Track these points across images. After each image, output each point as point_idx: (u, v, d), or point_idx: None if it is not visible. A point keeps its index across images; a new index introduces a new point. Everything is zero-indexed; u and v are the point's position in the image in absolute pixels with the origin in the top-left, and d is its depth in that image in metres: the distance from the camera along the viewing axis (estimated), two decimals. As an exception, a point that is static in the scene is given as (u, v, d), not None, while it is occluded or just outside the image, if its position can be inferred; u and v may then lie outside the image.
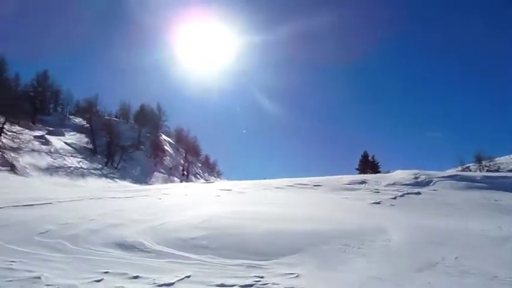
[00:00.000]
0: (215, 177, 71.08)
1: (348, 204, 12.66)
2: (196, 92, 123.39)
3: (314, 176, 18.57)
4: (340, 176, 18.17)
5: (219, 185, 20.29)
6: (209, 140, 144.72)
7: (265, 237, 7.22)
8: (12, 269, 5.63)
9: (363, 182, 16.26)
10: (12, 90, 45.36)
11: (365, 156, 47.28)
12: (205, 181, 60.76)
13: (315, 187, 16.05)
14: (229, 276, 5.41)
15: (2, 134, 25.20)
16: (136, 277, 5.33)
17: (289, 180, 17.90)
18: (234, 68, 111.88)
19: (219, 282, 5.14)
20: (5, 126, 25.57)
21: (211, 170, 78.99)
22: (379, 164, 46.10)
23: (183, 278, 5.25)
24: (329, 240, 7.19)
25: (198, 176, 65.88)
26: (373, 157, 47.37)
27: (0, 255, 6.35)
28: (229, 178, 57.60)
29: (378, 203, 12.70)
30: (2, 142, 25.08)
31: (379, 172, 36.55)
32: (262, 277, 5.40)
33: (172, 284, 5.06)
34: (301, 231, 7.75)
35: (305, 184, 16.61)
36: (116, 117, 67.45)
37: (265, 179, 21.23)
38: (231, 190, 15.49)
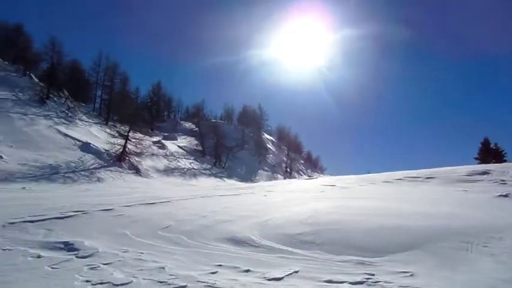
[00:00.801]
0: (318, 173, 70.62)
1: (468, 197, 11.46)
2: (295, 89, 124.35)
3: (423, 169, 17.23)
4: (454, 167, 16.54)
5: (322, 180, 20.10)
6: (311, 137, 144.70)
7: (374, 232, 6.92)
8: (141, 259, 6.35)
9: (484, 173, 14.55)
10: (133, 101, 51.45)
11: (486, 144, 42.07)
12: (308, 177, 60.69)
13: (427, 180, 14.87)
14: (337, 273, 5.32)
15: (128, 141, 28.66)
16: (247, 271, 5.56)
17: (397, 173, 16.90)
18: (334, 63, 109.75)
19: (327, 278, 5.08)
20: (129, 134, 29.01)
21: (314, 166, 78.73)
22: (504, 152, 40.64)
23: (291, 273, 5.32)
24: (448, 237, 6.58)
25: (300, 172, 66.24)
26: (495, 145, 41.95)
27: (131, 247, 7.22)
28: (332, 174, 56.70)
29: (506, 195, 11.23)
30: (128, 148, 28.55)
31: (504, 161, 32.27)
32: (372, 274, 5.19)
33: (281, 278, 5.17)
34: (414, 226, 7.24)
35: (415, 177, 15.51)
36: (221, 119, 71.52)
37: (369, 173, 20.40)
38: (335, 185, 15.23)
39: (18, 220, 9.20)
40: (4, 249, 6.97)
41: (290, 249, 6.46)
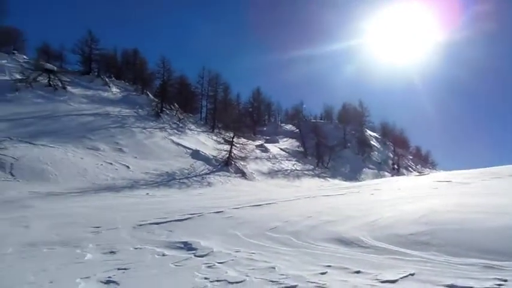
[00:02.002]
0: (429, 168, 65.30)
1: None
2: (396, 83, 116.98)
3: None
4: None
5: (435, 176, 18.56)
6: (418, 131, 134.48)
7: (503, 233, 6.16)
8: (253, 259, 6.65)
9: None
10: (236, 108, 54.17)
11: None
12: (418, 173, 56.48)
13: None
14: (460, 277, 4.86)
15: (233, 147, 30.26)
16: (357, 272, 5.43)
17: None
18: (438, 54, 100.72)
19: (449, 283, 4.66)
20: (234, 139, 30.60)
21: (423, 161, 73.11)
22: None
23: (406, 276, 5.04)
24: None
25: (409, 168, 62.06)
26: None
27: (242, 247, 7.60)
28: (446, 169, 51.89)
29: None
30: (234, 153, 30.13)
31: None
32: (505, 280, 4.62)
33: (395, 281, 4.93)
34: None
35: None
36: (321, 119, 70.90)
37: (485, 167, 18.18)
38: (450, 181, 13.94)
39: (145, 222, 10.36)
40: (136, 248, 7.90)
41: (403, 250, 6.12)
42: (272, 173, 34.13)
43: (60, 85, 34.95)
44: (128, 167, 23.13)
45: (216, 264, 6.37)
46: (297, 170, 39.29)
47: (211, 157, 29.91)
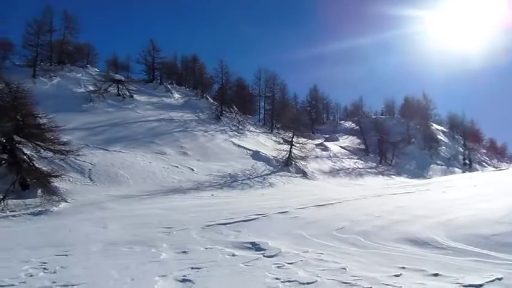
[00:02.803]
0: (507, 163, 60.18)
1: None
2: (462, 73, 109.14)
3: None
4: None
5: (515, 172, 17.10)
6: (493, 123, 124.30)
7: None
8: (322, 259, 6.61)
9: None
10: (293, 108, 54.04)
11: None
12: (494, 169, 52.31)
13: None
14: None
15: (292, 147, 30.20)
16: (436, 275, 5.18)
17: None
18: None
19: (541, 289, 4.30)
20: (293, 139, 30.53)
21: (500, 155, 67.40)
22: None
23: (493, 280, 4.70)
24: None
25: (483, 163, 57.61)
26: None
27: (310, 247, 7.58)
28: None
29: None
30: (294, 153, 30.05)
31: None
32: None
33: (481, 285, 4.61)
34: None
35: None
36: (382, 114, 68.25)
37: None
38: (534, 177, 12.78)
39: (213, 223, 10.70)
40: (206, 248, 8.20)
41: (485, 252, 5.73)
42: (333, 172, 33.52)
43: (128, 94, 37.23)
44: (192, 169, 24.02)
45: (286, 264, 6.43)
46: (359, 168, 38.18)
47: (272, 157, 30.07)
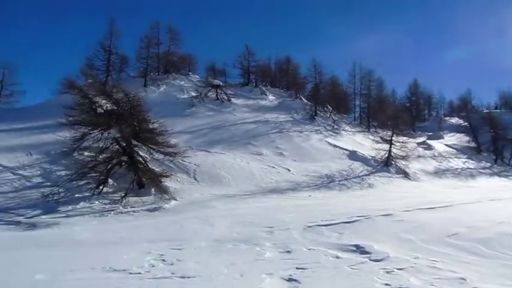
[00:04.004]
0: None
1: None
2: None
3: None
4: None
5: None
6: None
7: None
8: (436, 267, 6.16)
9: None
10: (391, 105, 51.25)
11: None
12: None
13: None
14: None
15: (392, 146, 28.64)
16: None
17: None
18: None
19: None
20: (392, 138, 28.94)
21: None
22: None
23: None
24: None
25: None
26: None
27: (421, 253, 7.13)
28: None
29: None
30: (393, 152, 28.48)
31: None
32: None
33: None
34: None
35: None
36: (496, 108, 61.07)
37: None
38: None
39: (313, 224, 10.69)
40: (309, 249, 8.22)
41: None
42: (439, 173, 30.89)
43: (226, 98, 39.10)
44: (289, 170, 24.26)
45: (395, 270, 6.15)
46: (470, 168, 34.58)
47: (370, 157, 28.90)
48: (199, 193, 18.46)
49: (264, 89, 47.51)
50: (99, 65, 38.38)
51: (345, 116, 48.29)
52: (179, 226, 12.17)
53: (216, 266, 7.17)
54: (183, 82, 43.08)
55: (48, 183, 17.44)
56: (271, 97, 45.31)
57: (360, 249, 7.73)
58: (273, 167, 24.36)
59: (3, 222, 13.12)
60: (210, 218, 12.98)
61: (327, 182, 22.84)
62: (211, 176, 21.26)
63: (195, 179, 20.59)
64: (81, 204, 15.72)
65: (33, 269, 7.08)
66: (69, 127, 18.13)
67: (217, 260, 7.73)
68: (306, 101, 46.25)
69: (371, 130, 42.04)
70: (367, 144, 33.87)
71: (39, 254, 8.92)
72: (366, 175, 25.41)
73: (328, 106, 44.60)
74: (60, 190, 15.97)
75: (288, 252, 8.01)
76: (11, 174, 18.04)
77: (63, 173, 18.14)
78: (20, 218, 13.64)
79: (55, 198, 15.66)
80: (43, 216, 14.01)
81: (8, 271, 7.04)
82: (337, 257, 7.33)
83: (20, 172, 18.39)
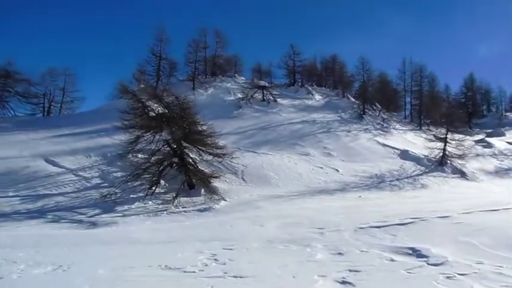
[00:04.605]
0: None
1: None
2: None
3: None
4: None
5: None
6: None
7: None
8: (502, 274, 5.79)
9: None
10: (445, 101, 48.77)
11: None
12: None
13: None
14: None
15: (447, 144, 27.21)
16: None
17: None
18: None
19: None
20: (447, 136, 27.49)
21: None
22: None
23: None
24: None
25: None
26: None
27: (484, 258, 6.72)
28: None
29: None
30: (448, 151, 27.04)
31: None
32: None
33: None
34: None
35: None
36: None
37: None
38: None
39: (365, 225, 10.43)
40: (361, 251, 8.03)
41: None
42: (501, 172, 28.85)
43: (272, 98, 39.19)
44: (337, 170, 23.83)
45: (457, 275, 5.85)
46: (537, 167, 32.07)
47: (422, 157, 27.66)
48: (248, 194, 18.63)
49: (310, 88, 47.12)
50: (150, 70, 40.20)
51: (395, 114, 46.71)
52: (229, 226, 12.36)
53: (268, 267, 7.21)
54: (229, 84, 43.74)
55: (106, 184, 18.43)
56: (317, 96, 44.83)
57: (416, 253, 7.43)
58: (321, 168, 24.06)
59: (67, 221, 14.04)
60: (260, 219, 13.06)
61: (377, 182, 22.17)
62: (259, 177, 21.38)
63: (244, 180, 20.81)
64: (136, 204, 16.43)
65: (96, 265, 7.52)
66: (124, 130, 19.00)
67: (269, 261, 7.76)
68: (353, 100, 45.30)
69: (423, 128, 40.27)
70: (419, 142, 32.50)
71: (100, 251, 9.45)
72: (418, 175, 24.38)
73: (377, 104, 43.35)
74: (116, 191, 16.84)
75: (340, 254, 7.87)
76: (73, 176, 19.27)
77: (119, 174, 19.08)
78: (82, 217, 14.53)
79: (112, 198, 16.53)
80: (102, 215, 14.82)
81: (73, 266, 7.53)
82: (392, 260, 7.10)
83: (81, 174, 19.61)
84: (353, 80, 48.89)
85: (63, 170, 19.85)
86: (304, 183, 21.06)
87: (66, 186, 18.09)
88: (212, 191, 17.50)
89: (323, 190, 19.84)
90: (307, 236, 9.83)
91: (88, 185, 18.56)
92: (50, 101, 37.34)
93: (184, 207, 16.08)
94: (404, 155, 28.67)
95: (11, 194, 16.76)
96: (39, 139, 24.71)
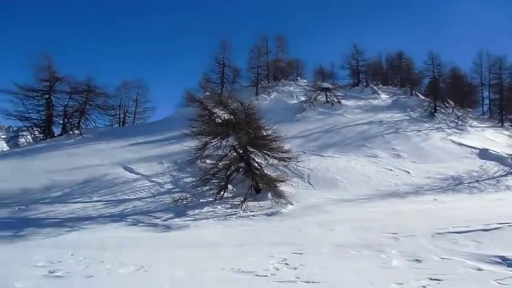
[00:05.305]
0: None
1: None
2: None
3: None
4: None
5: None
6: None
7: None
8: None
9: None
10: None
11: None
12: None
13: None
14: None
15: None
16: None
17: None
18: None
19: None
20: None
21: None
22: None
23: None
24: None
25: None
26: None
27: None
28: None
29: None
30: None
31: None
32: None
33: None
34: None
35: None
36: None
37: None
38: None
39: (444, 231, 9.79)
40: (442, 258, 7.54)
41: None
42: None
43: (336, 100, 38.35)
44: (408, 172, 22.63)
45: (559, 288, 5.24)
46: None
47: (506, 156, 25.29)
48: (315, 197, 18.41)
49: (375, 88, 45.52)
50: (215, 78, 41.55)
51: (471, 110, 43.34)
52: (298, 230, 12.30)
53: (340, 272, 7.05)
54: (292, 88, 43.72)
55: (177, 189, 19.30)
56: (383, 96, 43.14)
57: (507, 262, 6.80)
58: (391, 170, 23.05)
59: (145, 224, 14.91)
60: (329, 223, 12.83)
61: (454, 184, 20.71)
62: (325, 180, 21.05)
63: (310, 184, 20.62)
64: (206, 208, 16.98)
65: (173, 266, 7.89)
66: (192, 137, 19.79)
67: (342, 266, 7.59)
68: (423, 97, 42.89)
69: (505, 124, 36.95)
70: (500, 140, 29.93)
71: (176, 253, 9.92)
72: (502, 176, 22.37)
73: (450, 101, 40.54)
74: (187, 195, 17.56)
75: (418, 260, 7.46)
76: (148, 182, 20.46)
77: (189, 179, 19.89)
78: (157, 221, 15.34)
79: (184, 203, 17.27)
80: (175, 219, 15.52)
81: (153, 267, 7.97)
82: (479, 269, 6.57)
83: (155, 179, 20.77)
84: (422, 77, 46.15)
85: (139, 176, 21.16)
86: (372, 186, 20.32)
87: (142, 191, 19.24)
88: (279, 195, 17.54)
89: (394, 193, 18.99)
90: (379, 241, 9.45)
91: (161, 190, 19.58)
92: (124, 112, 40.31)
93: (252, 211, 16.29)
94: (484, 154, 26.49)
95: (95, 199, 18.24)
96: (117, 148, 26.63)
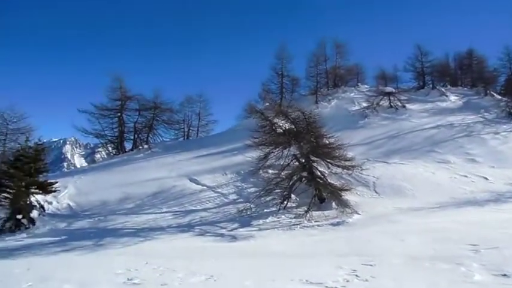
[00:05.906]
0: None
1: None
2: None
3: None
4: None
5: None
6: None
7: None
8: None
9: None
10: None
11: None
12: None
13: None
14: None
15: None
16: None
17: None
18: None
19: None
20: None
21: None
22: None
23: None
24: None
25: None
26: None
27: None
28: None
29: None
30: None
31: None
32: None
33: None
34: None
35: None
36: None
37: None
38: None
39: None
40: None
41: None
42: None
43: (400, 104, 36.73)
44: (486, 178, 20.84)
45: None
46: None
47: None
48: (382, 206, 17.65)
49: (443, 89, 42.96)
50: (274, 88, 41.92)
51: None
52: (366, 241, 11.84)
53: (416, 286, 6.65)
54: (352, 94, 42.74)
55: (241, 200, 19.60)
56: (452, 97, 40.50)
57: None
58: (465, 176, 21.45)
59: (211, 234, 15.30)
60: (399, 233, 12.20)
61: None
62: (392, 188, 20.13)
63: (376, 192, 19.84)
64: (270, 218, 17.01)
65: (242, 276, 7.96)
66: (254, 148, 20.03)
67: (415, 279, 7.16)
68: (499, 97, 39.57)
69: None
70: None
71: (243, 263, 10.02)
72: None
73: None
74: (251, 206, 17.76)
75: (505, 275, 6.81)
76: (213, 193, 21.04)
77: (252, 189, 20.13)
78: (223, 231, 15.67)
79: (248, 213, 17.48)
80: (240, 229, 15.73)
81: (222, 276, 8.11)
82: None
83: (219, 190, 21.30)
84: (497, 75, 42.73)
85: (204, 187, 21.84)
86: (445, 194, 18.99)
87: (207, 202, 19.82)
88: (344, 204, 17.08)
89: (470, 201, 17.60)
90: (457, 253, 8.78)
91: (226, 200, 20.00)
92: (188, 126, 41.95)
93: (316, 221, 16.02)
94: None
95: (164, 210, 19.13)
96: (183, 160, 27.78)
